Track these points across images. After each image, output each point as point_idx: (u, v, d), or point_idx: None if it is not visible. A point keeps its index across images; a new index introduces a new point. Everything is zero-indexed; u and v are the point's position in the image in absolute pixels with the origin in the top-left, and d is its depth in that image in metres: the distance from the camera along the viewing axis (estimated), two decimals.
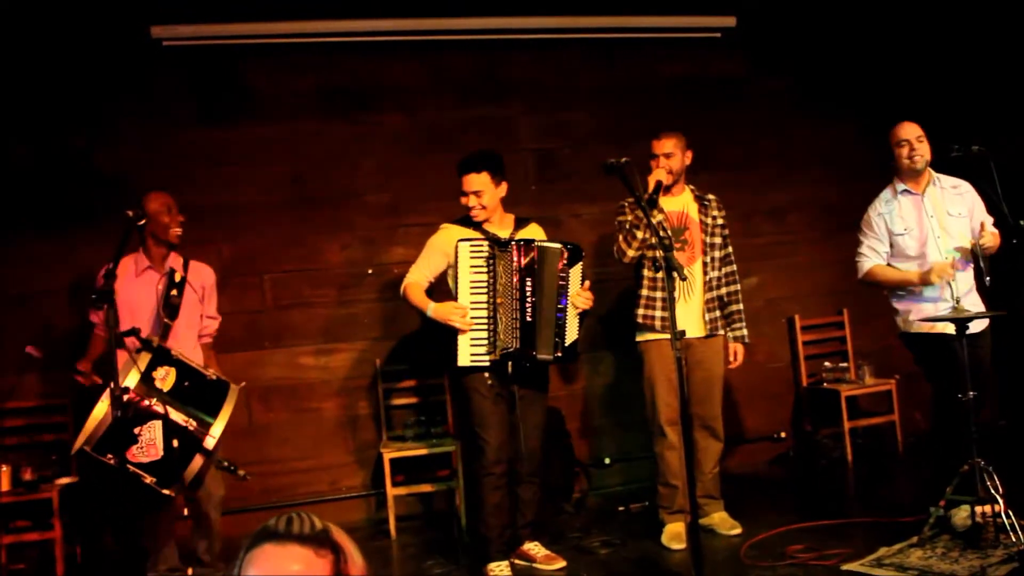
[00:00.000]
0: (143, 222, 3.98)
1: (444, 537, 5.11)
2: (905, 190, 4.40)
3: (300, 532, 1.43)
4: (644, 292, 4.61)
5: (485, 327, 4.21)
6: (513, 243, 4.24)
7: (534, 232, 4.49)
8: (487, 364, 4.22)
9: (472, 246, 4.23)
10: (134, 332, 3.75)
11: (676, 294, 4.50)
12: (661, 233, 4.47)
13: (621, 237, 4.55)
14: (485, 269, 4.22)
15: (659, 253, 4.40)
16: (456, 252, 4.23)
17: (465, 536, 5.10)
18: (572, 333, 4.31)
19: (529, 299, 4.19)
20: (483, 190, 4.33)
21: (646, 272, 4.60)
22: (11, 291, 5.19)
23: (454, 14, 5.73)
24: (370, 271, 5.70)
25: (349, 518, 5.56)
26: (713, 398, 4.71)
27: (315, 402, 5.61)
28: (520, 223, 4.49)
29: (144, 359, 3.73)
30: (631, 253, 4.52)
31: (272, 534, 1.44)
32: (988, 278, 4.18)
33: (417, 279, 4.42)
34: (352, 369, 5.67)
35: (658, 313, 4.55)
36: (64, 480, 4.87)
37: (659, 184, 4.45)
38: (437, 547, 4.91)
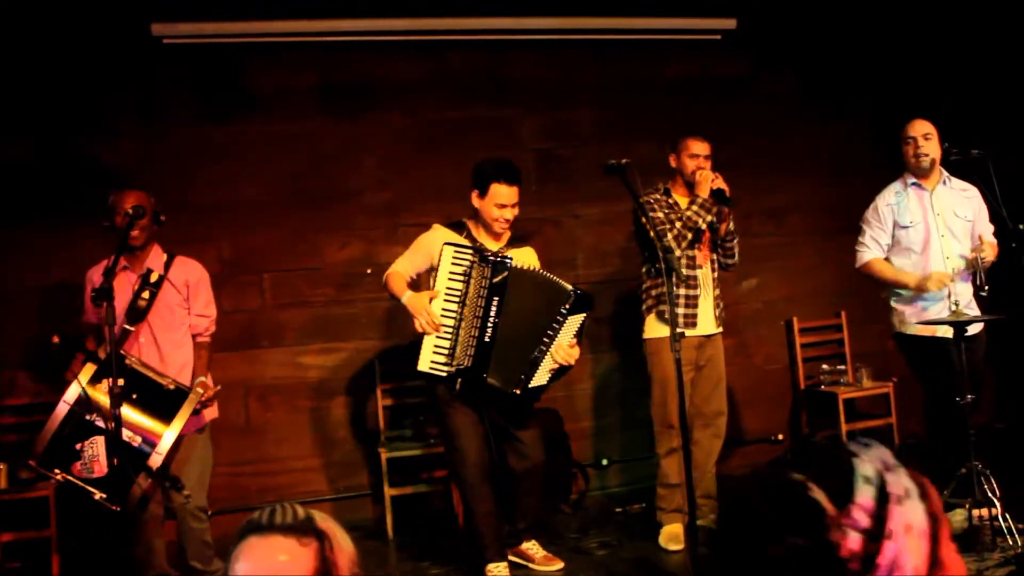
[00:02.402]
0: (107, 221, 4.00)
1: (442, 537, 5.11)
2: (915, 183, 4.42)
3: (283, 522, 1.44)
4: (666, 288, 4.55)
5: (449, 337, 4.10)
6: (491, 257, 4.11)
7: (525, 256, 4.38)
8: (443, 376, 4.12)
9: (456, 251, 4.12)
10: (64, 346, 3.70)
11: (698, 291, 4.54)
12: (669, 235, 4.50)
13: (671, 236, 4.45)
14: (462, 279, 4.10)
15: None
16: (440, 254, 4.14)
17: (463, 536, 5.09)
18: (541, 378, 4.17)
19: (491, 319, 4.05)
20: (518, 204, 4.28)
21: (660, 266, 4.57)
22: (10, 287, 5.18)
23: (456, 14, 5.72)
24: (369, 271, 5.68)
25: (347, 518, 5.54)
26: (721, 394, 4.74)
27: (313, 401, 5.60)
28: (513, 241, 4.40)
29: (88, 371, 3.59)
30: (678, 252, 4.47)
31: (256, 527, 1.44)
32: (987, 287, 4.18)
33: (399, 270, 4.31)
34: (350, 369, 5.66)
35: (680, 310, 4.53)
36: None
37: (722, 192, 4.43)
38: (435, 547, 4.91)
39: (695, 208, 4.49)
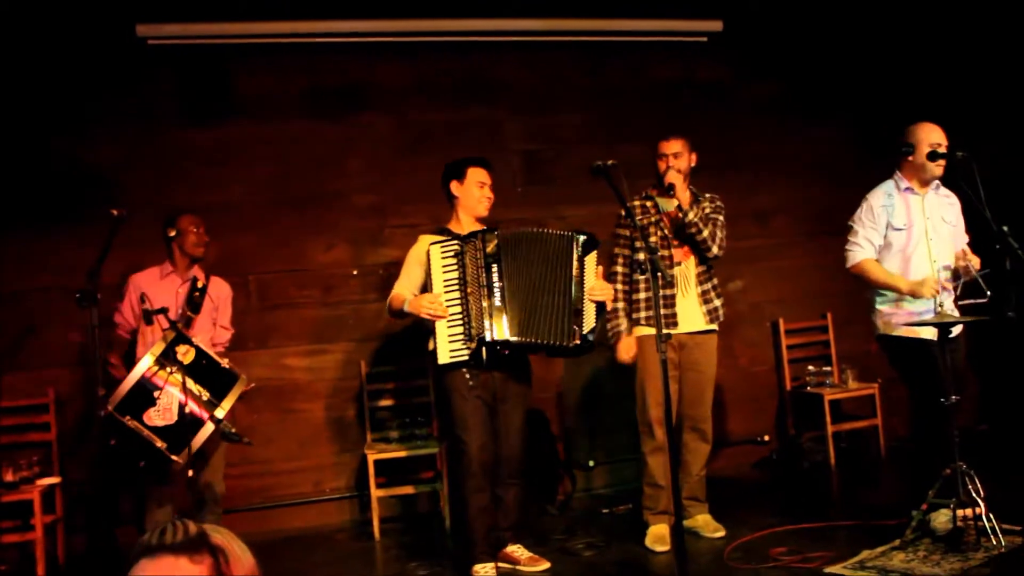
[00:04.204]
0: (173, 233, 4.59)
1: (428, 539, 5.11)
2: (908, 188, 4.41)
3: (173, 541, 1.38)
4: (641, 296, 4.61)
5: (460, 322, 4.18)
6: (478, 233, 4.26)
7: None
8: (466, 358, 4.19)
9: (443, 247, 4.24)
10: (163, 311, 4.10)
11: (675, 290, 4.55)
12: (656, 234, 4.52)
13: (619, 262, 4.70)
14: (455, 266, 4.21)
15: (641, 255, 4.49)
16: (428, 257, 4.25)
17: (449, 538, 5.10)
18: (590, 321, 4.26)
19: (497, 284, 4.17)
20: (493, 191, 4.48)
21: (639, 275, 4.60)
22: None
23: (442, 16, 5.73)
24: (355, 272, 5.69)
25: (333, 519, 5.56)
26: (705, 400, 4.71)
27: (300, 403, 5.60)
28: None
29: (170, 335, 4.16)
30: (619, 279, 4.66)
31: (145, 549, 1.39)
32: (988, 293, 4.19)
33: (400, 292, 4.42)
34: (337, 370, 5.66)
35: (661, 311, 4.54)
36: (46, 481, 4.84)
37: (671, 186, 4.48)
38: (421, 549, 4.91)
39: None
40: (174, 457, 4.03)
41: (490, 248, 4.21)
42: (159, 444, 4.01)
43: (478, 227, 4.44)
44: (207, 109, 5.53)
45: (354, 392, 5.64)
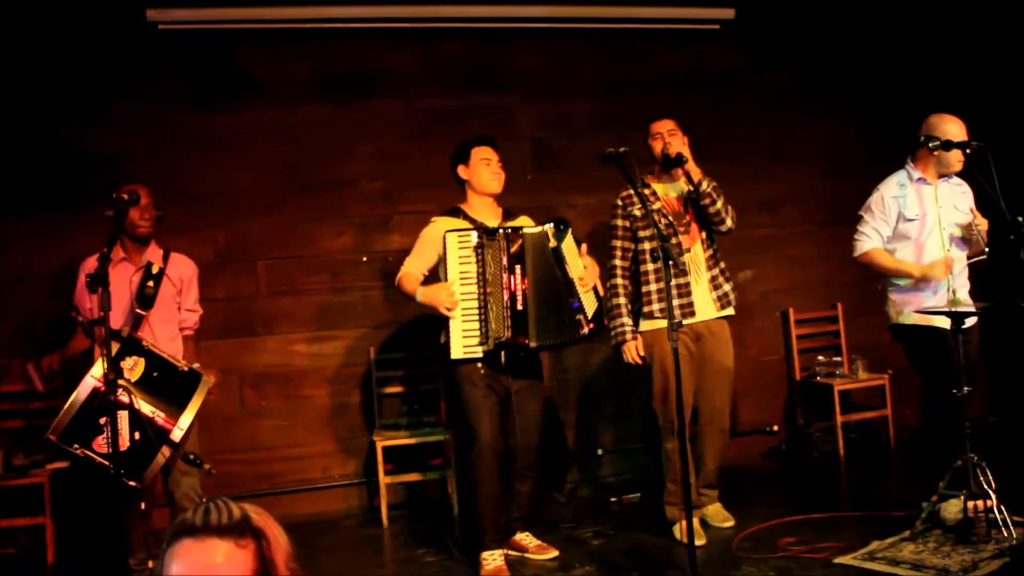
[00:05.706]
0: (111, 213, 3.93)
1: (436, 526, 5.11)
2: (921, 178, 4.38)
3: (218, 524, 1.38)
4: (652, 287, 4.48)
5: (476, 318, 4.14)
6: (501, 231, 4.18)
7: (523, 224, 4.43)
8: (480, 356, 4.16)
9: (460, 236, 4.18)
10: (100, 321, 3.65)
11: (688, 278, 4.47)
12: (661, 221, 4.47)
13: (617, 258, 4.57)
14: (473, 259, 4.15)
15: (647, 244, 4.45)
16: (444, 243, 4.19)
17: (457, 525, 5.09)
18: (591, 305, 4.23)
19: (520, 287, 4.13)
20: (502, 164, 4.43)
21: (649, 266, 4.49)
22: (3, 275, 5.16)
23: (453, 2, 5.70)
24: (364, 258, 5.68)
25: (341, 506, 5.57)
26: (723, 393, 4.61)
27: (308, 389, 5.60)
28: (508, 215, 4.46)
29: (112, 349, 3.66)
30: (618, 274, 4.57)
31: (190, 528, 1.38)
32: (987, 248, 4.19)
33: (411, 270, 4.36)
34: (345, 357, 5.65)
35: (675, 301, 4.42)
36: (55, 465, 4.84)
37: (679, 155, 4.38)
38: (429, 536, 4.91)
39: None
40: (132, 483, 3.67)
41: (514, 248, 4.15)
42: (114, 471, 3.62)
43: (491, 208, 4.42)
44: (216, 94, 5.52)
45: (362, 378, 5.64)
